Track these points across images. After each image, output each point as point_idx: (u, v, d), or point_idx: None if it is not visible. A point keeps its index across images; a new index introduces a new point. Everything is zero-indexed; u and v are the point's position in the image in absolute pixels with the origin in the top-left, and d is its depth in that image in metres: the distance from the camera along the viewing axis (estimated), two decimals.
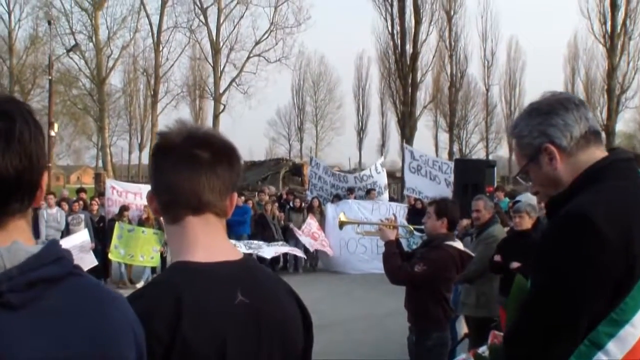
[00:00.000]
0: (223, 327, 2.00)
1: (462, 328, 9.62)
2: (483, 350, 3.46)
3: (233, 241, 17.56)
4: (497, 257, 8.19)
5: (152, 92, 57.18)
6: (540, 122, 2.58)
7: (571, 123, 2.54)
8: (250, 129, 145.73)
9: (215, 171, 2.10)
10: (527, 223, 8.38)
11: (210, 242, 2.12)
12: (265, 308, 2.12)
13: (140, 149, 70.58)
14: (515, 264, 7.91)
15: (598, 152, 2.56)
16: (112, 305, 1.64)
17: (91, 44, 51.71)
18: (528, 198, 10.74)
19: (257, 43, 56.55)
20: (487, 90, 75.68)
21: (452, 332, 8.42)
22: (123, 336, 1.62)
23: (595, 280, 2.25)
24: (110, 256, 17.24)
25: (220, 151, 2.13)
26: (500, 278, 8.28)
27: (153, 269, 17.87)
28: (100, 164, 59.08)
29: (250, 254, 18.02)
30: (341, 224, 9.15)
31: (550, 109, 2.58)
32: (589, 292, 2.26)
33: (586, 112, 2.59)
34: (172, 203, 2.12)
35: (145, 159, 62.61)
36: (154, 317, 1.89)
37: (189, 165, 2.07)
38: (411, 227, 8.70)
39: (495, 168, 15.25)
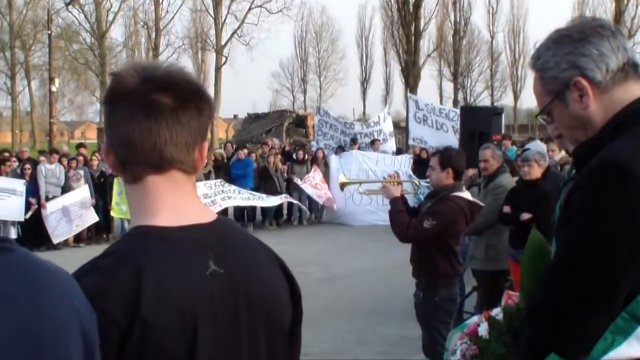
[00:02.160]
0: (192, 304, 1.67)
1: (470, 281, 9.39)
2: (497, 312, 3.15)
3: (234, 187, 17.61)
4: (507, 208, 7.89)
5: (153, 46, 56.76)
6: (570, 51, 2.13)
7: (607, 53, 2.10)
8: (254, 81, 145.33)
9: (179, 120, 1.75)
10: (536, 172, 8.05)
11: (176, 203, 1.79)
12: (244, 278, 1.80)
13: None
14: (525, 215, 7.65)
15: (637, 89, 2.13)
16: (51, 288, 1.31)
17: None
18: (537, 146, 10.46)
19: None
20: (492, 38, 75.23)
21: (460, 286, 8.19)
22: (65, 329, 1.29)
23: (636, 242, 1.88)
24: (112, 213, 17.02)
25: (184, 94, 1.77)
26: (510, 230, 8.01)
27: None
28: (103, 119, 58.82)
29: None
30: (342, 185, 8.84)
31: (582, 36, 2.13)
32: (628, 256, 1.88)
33: (623, 41, 2.14)
34: (129, 160, 1.77)
35: None
36: (108, 295, 1.57)
37: (147, 114, 1.72)
38: (416, 181, 8.39)
39: (503, 115, 14.82)
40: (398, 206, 6.43)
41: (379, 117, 23.85)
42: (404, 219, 6.30)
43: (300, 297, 2.01)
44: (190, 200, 1.83)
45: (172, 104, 1.73)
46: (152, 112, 1.72)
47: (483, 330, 3.10)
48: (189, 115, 1.76)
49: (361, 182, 9.85)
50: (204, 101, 1.81)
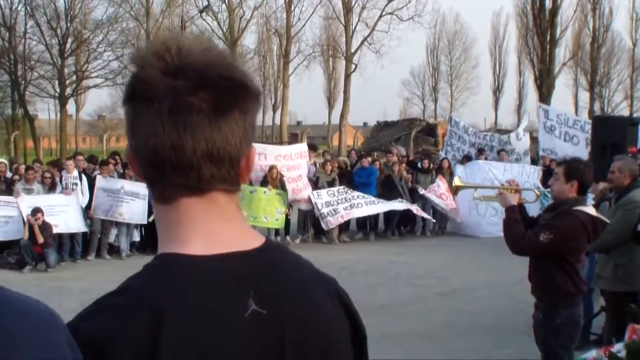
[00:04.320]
0: (225, 353, 1.35)
1: (598, 301, 8.84)
2: (619, 349, 2.74)
3: (357, 193, 17.51)
4: None
5: (284, 53, 57.59)
6: None
7: None
8: (384, 88, 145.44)
9: (221, 129, 1.38)
10: None
11: (212, 227, 1.44)
12: (293, 320, 1.44)
13: (274, 110, 71.64)
14: None
15: None
16: (13, 334, 1.05)
17: (224, 5, 52.68)
18: None
19: (389, 1, 56.43)
20: (634, 45, 72.39)
21: (588, 306, 7.66)
22: None
23: None
24: None
25: (227, 93, 1.38)
26: None
27: (277, 231, 17.77)
28: None
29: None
30: (456, 189, 8.39)
31: None
32: None
33: None
34: (158, 178, 1.43)
35: (279, 120, 63.40)
36: (119, 342, 1.28)
37: (180, 125, 1.36)
38: (536, 191, 7.86)
39: None
40: (514, 215, 6.01)
41: (510, 137, 23.03)
42: (519, 229, 5.88)
43: (365, 339, 1.63)
44: (231, 224, 1.48)
45: (212, 109, 1.37)
46: (187, 122, 1.36)
47: None
48: (232, 121, 1.40)
49: (477, 186, 9.33)
50: (250, 98, 1.43)
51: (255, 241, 1.48)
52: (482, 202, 18.39)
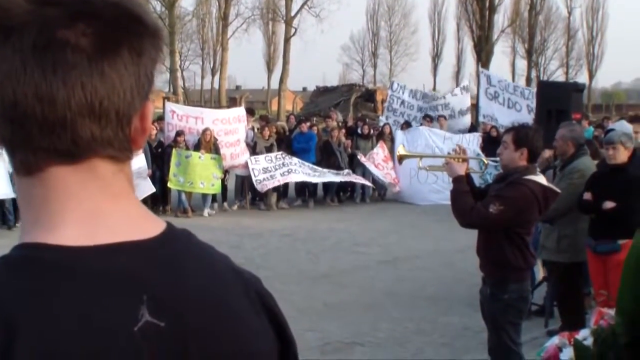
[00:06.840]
0: None
1: (540, 271, 8.79)
2: (584, 335, 2.51)
3: (295, 159, 17.18)
4: (587, 195, 7.15)
5: (223, 16, 56.97)
6: None
7: None
8: (324, 54, 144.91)
9: (104, 73, 1.02)
10: (622, 155, 7.20)
11: (94, 209, 1.07)
12: (201, 334, 1.09)
13: (213, 74, 71.10)
14: (609, 204, 6.93)
15: None
16: None
17: None
18: (623, 126, 9.68)
19: None
20: (569, 13, 73.50)
21: (531, 277, 7.57)
22: None
23: None
24: (169, 185, 16.69)
25: (112, 28, 1.03)
26: (591, 219, 7.29)
27: (214, 197, 17.43)
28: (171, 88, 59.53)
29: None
30: (400, 158, 8.12)
31: None
32: None
33: None
34: (19, 140, 1.05)
35: (218, 84, 62.80)
36: None
37: (48, 66, 0.99)
38: (485, 159, 7.64)
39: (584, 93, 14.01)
40: (462, 186, 5.73)
41: (445, 96, 22.91)
42: (467, 200, 5.62)
43: (295, 355, 1.27)
44: (120, 203, 1.11)
45: (93, 46, 1.01)
46: (58, 62, 1.00)
47: (566, 356, 2.55)
48: (120, 64, 1.04)
49: (422, 155, 8.99)
50: (145, 35, 1.08)
51: (152, 228, 1.13)
52: (423, 170, 18.33)
